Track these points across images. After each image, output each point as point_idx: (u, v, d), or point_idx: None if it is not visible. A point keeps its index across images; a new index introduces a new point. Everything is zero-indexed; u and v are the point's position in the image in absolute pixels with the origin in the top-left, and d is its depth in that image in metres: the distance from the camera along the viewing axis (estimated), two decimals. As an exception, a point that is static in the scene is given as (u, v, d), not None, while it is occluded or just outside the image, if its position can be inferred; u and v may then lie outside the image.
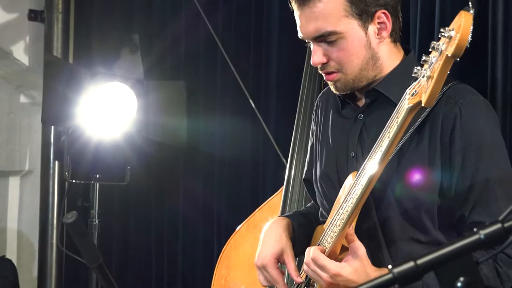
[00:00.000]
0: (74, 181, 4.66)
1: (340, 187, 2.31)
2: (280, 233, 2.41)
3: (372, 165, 2.04)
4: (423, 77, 1.85)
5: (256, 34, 4.42)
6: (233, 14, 4.52)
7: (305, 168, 2.64)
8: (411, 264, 1.33)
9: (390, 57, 2.30)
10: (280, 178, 3.60)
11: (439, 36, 1.78)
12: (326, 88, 2.55)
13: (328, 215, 2.39)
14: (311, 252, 2.17)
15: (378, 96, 2.30)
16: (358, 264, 2.11)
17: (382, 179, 2.10)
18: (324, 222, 2.41)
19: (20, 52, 5.16)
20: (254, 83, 4.37)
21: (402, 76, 2.25)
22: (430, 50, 1.83)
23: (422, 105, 1.84)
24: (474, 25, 3.25)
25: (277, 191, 3.43)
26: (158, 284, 4.82)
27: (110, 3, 5.07)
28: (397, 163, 2.18)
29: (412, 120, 2.06)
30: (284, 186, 3.38)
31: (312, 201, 2.65)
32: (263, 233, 2.46)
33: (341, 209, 2.16)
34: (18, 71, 5.15)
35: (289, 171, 3.40)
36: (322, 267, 2.14)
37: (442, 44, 1.77)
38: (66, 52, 5.13)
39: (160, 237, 4.83)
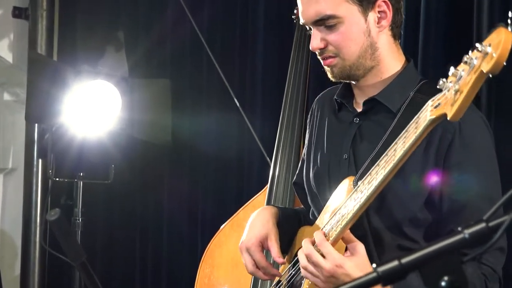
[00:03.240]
0: (57, 179, 4.64)
1: (331, 187, 2.31)
2: (267, 218, 2.42)
3: (381, 173, 2.00)
4: (448, 90, 1.78)
5: (242, 33, 4.42)
6: (218, 13, 4.52)
7: (297, 172, 2.64)
8: (395, 263, 1.34)
9: (389, 52, 2.31)
10: (265, 176, 3.60)
11: (472, 49, 1.71)
12: (322, 93, 2.56)
13: (317, 213, 2.39)
14: (315, 238, 2.14)
15: (376, 104, 2.30)
16: (360, 260, 2.09)
17: None
18: (313, 223, 2.41)
19: (4, 49, 5.13)
20: (239, 82, 4.37)
21: (402, 86, 2.28)
22: (462, 63, 1.74)
23: (448, 118, 1.77)
24: (460, 17, 3.29)
25: (261, 189, 3.43)
26: (142, 282, 4.81)
27: (95, 1, 5.05)
28: None
29: None
30: (268, 185, 3.38)
31: (302, 206, 2.65)
32: (250, 219, 2.46)
33: (339, 213, 2.14)
34: (1, 68, 5.13)
35: (274, 170, 3.39)
36: (327, 254, 2.10)
37: (475, 58, 1.69)
38: (51, 50, 5.11)
39: (144, 235, 4.82)
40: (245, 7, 4.41)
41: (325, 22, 2.25)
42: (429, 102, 1.86)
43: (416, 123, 1.91)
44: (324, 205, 2.32)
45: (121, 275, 4.90)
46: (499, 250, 2.20)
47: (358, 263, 2.09)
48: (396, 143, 1.99)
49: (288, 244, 2.47)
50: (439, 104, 1.82)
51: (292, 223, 2.50)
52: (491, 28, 3.10)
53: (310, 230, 2.35)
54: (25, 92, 4.57)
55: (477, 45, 1.68)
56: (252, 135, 4.13)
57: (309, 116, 2.60)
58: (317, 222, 2.33)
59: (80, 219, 4.54)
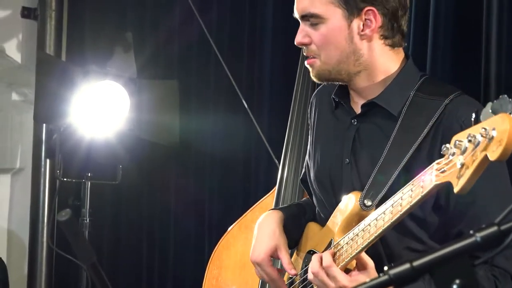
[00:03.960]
0: (65, 179, 4.65)
1: (333, 190, 2.33)
2: (273, 228, 2.41)
3: (388, 220, 2.03)
4: (453, 156, 1.77)
5: (250, 33, 4.42)
6: (226, 13, 4.52)
7: (303, 170, 2.64)
8: (407, 266, 1.34)
9: (380, 58, 2.28)
10: (272, 178, 3.59)
11: (474, 120, 1.68)
12: (320, 86, 2.55)
13: (323, 215, 2.40)
14: (323, 260, 2.17)
15: (375, 106, 2.30)
16: (364, 279, 2.10)
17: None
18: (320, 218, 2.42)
19: (12, 49, 5.14)
20: (247, 83, 4.37)
21: (402, 86, 2.27)
22: (467, 139, 1.70)
23: (455, 191, 1.78)
24: (468, 23, 3.29)
25: (269, 191, 3.42)
26: (149, 283, 4.81)
27: (103, 1, 5.06)
28: (396, 174, 2.18)
29: (412, 137, 2.09)
30: (276, 187, 3.37)
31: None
32: (257, 226, 2.46)
33: (353, 240, 2.15)
34: (10, 68, 5.13)
35: (282, 172, 3.39)
36: (333, 278, 2.13)
37: (479, 136, 1.66)
38: (59, 50, 5.11)
39: (151, 236, 4.82)
40: (254, 8, 4.41)
41: (309, 20, 2.28)
42: (434, 165, 1.86)
43: (423, 181, 1.92)
44: (330, 210, 2.34)
45: (128, 276, 4.90)
46: None
47: (362, 282, 2.10)
48: (401, 198, 1.99)
49: (297, 240, 2.49)
50: (444, 170, 1.81)
51: (298, 221, 2.50)
52: (500, 29, 3.12)
53: (319, 235, 2.37)
54: (33, 92, 4.58)
55: (481, 129, 1.64)
56: (259, 137, 4.12)
57: (308, 111, 2.61)
58: (327, 224, 2.33)
59: (87, 219, 4.54)
